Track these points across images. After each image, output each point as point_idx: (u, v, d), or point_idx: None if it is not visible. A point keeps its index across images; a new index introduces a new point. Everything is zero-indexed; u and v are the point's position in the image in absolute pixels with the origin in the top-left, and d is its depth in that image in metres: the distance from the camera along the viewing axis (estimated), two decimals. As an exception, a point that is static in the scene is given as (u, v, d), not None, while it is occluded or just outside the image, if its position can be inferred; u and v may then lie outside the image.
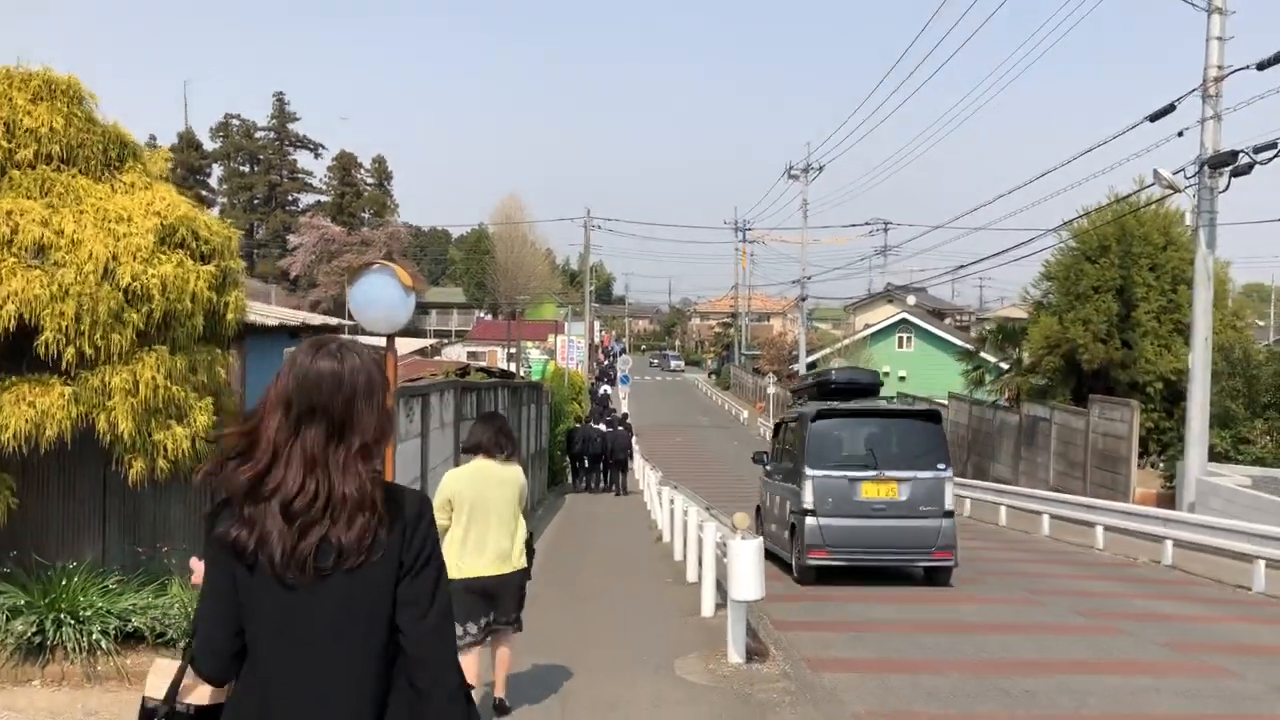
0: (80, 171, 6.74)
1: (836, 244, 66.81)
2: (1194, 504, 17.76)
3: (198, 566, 2.20)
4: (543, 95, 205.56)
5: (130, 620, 6.63)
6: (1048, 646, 8.68)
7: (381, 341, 6.86)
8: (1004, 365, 28.29)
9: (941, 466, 11.90)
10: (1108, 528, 16.90)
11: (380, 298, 6.55)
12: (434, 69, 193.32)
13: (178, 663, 2.23)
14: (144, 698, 2.23)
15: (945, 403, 32.94)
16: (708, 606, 9.60)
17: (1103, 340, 23.57)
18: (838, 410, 12.46)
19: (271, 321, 8.93)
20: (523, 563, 5.84)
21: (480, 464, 5.83)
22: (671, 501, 15.23)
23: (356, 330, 9.85)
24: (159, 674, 2.25)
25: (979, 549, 16.06)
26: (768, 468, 14.44)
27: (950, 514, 11.78)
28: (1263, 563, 12.54)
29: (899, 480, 11.65)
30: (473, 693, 5.41)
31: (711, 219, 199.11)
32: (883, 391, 15.27)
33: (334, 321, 10.53)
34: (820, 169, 56.89)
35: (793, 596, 10.84)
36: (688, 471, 31.08)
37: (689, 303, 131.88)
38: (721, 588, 10.14)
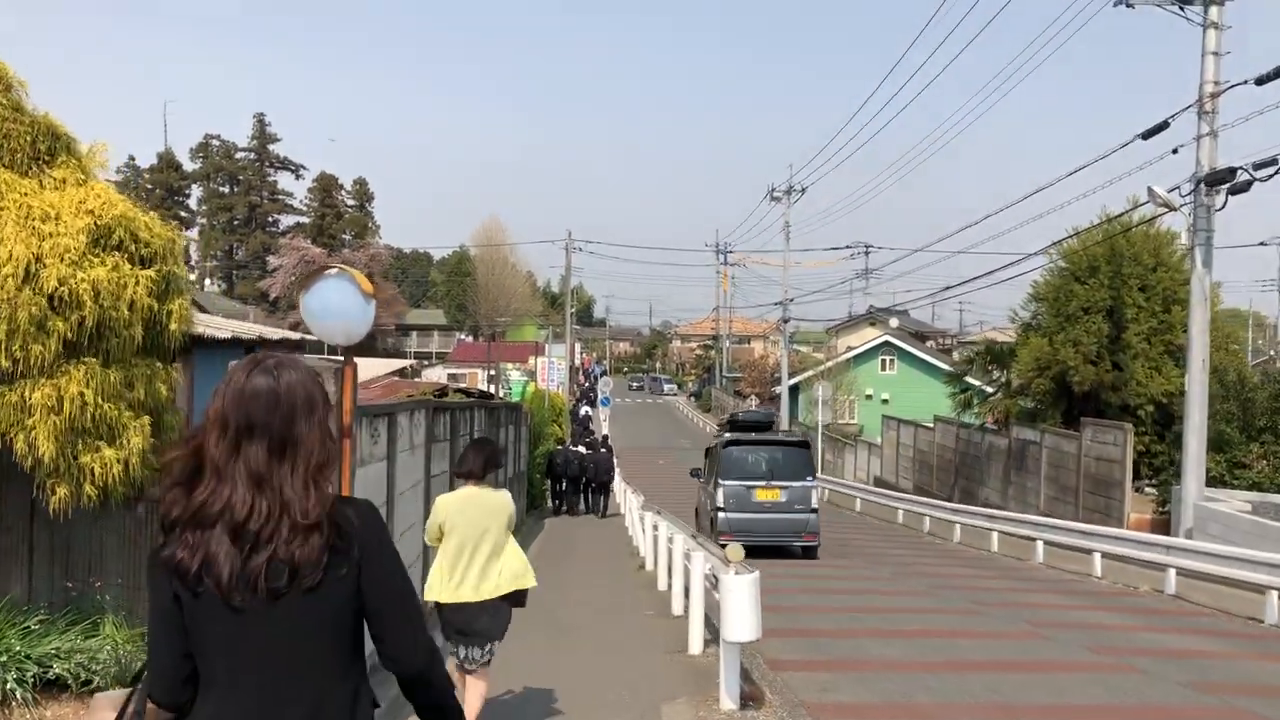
0: (3, 165, 6.06)
1: (818, 267, 66.58)
2: (1191, 530, 17.22)
3: (101, 700, 2.23)
4: (524, 120, 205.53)
5: (51, 666, 5.91)
6: (1062, 688, 8.06)
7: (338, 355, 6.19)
8: (989, 388, 27.80)
9: (809, 479, 17.46)
10: (1105, 555, 16.33)
11: (337, 306, 5.90)
12: (414, 91, 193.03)
13: (123, 692, 2.21)
14: None
15: (931, 425, 32.47)
16: (695, 643, 8.94)
17: (1093, 362, 23.11)
18: (741, 440, 17.93)
19: (223, 334, 8.22)
20: (517, 583, 5.87)
21: (471, 490, 5.90)
22: (655, 528, 14.56)
23: (318, 347, 9.19)
24: (102, 708, 2.37)
25: (972, 578, 15.46)
26: (701, 480, 19.74)
27: (815, 510, 17.21)
28: (1275, 594, 11.97)
29: (781, 488, 17.00)
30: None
31: (693, 242, 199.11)
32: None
33: (295, 336, 9.82)
34: (802, 191, 56.57)
35: (783, 631, 10.19)
36: (670, 495, 30.35)
37: (669, 325, 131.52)
38: (711, 623, 9.50)
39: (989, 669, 8.59)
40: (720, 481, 16.96)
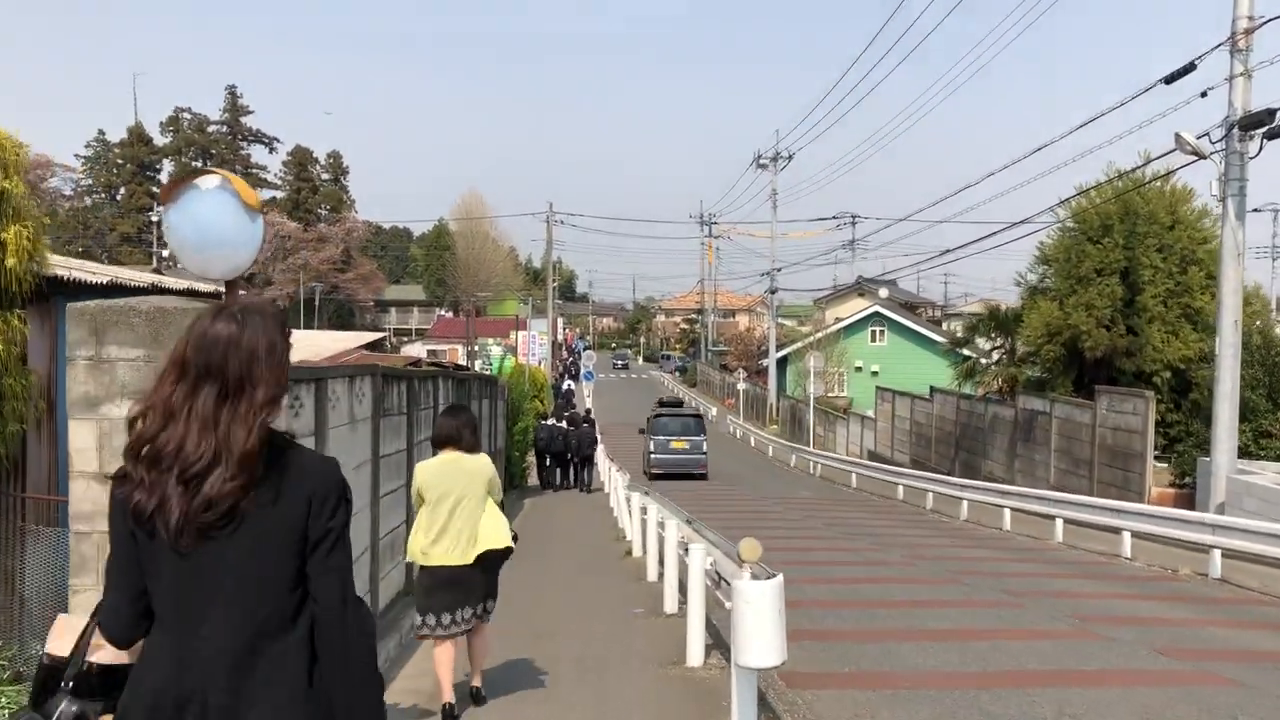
0: None
1: (804, 238, 65.05)
2: (1223, 504, 15.84)
3: (60, 625, 2.26)
4: (502, 92, 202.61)
5: None
6: (1147, 704, 6.59)
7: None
8: (986, 357, 26.36)
9: (701, 436, 30.09)
10: (1136, 534, 14.93)
11: (211, 226, 4.31)
12: (390, 64, 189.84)
13: (84, 620, 2.22)
14: (44, 654, 2.22)
15: (928, 396, 31.09)
16: (695, 653, 7.44)
17: (1106, 326, 21.70)
18: (664, 413, 31.25)
19: (98, 278, 6.60)
20: (499, 542, 5.89)
21: (449, 455, 5.92)
22: (644, 511, 13.06)
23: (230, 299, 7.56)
24: (63, 632, 2.23)
25: (992, 561, 14.00)
26: (644, 435, 31.42)
27: (705, 453, 29.74)
28: (1349, 579, 10.58)
29: (686, 440, 29.66)
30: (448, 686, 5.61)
31: (676, 215, 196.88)
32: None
33: (204, 287, 8.17)
34: (790, 157, 55.15)
35: (796, 632, 8.68)
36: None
37: (653, 301, 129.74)
38: (712, 626, 8.00)
39: (1052, 682, 7.10)
40: (652, 436, 30.13)
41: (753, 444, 43.34)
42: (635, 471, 25.37)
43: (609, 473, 24.35)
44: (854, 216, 61.18)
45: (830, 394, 45.07)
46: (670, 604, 9.62)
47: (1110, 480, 19.92)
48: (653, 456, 29.13)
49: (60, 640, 2.23)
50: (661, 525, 11.14)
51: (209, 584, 2.05)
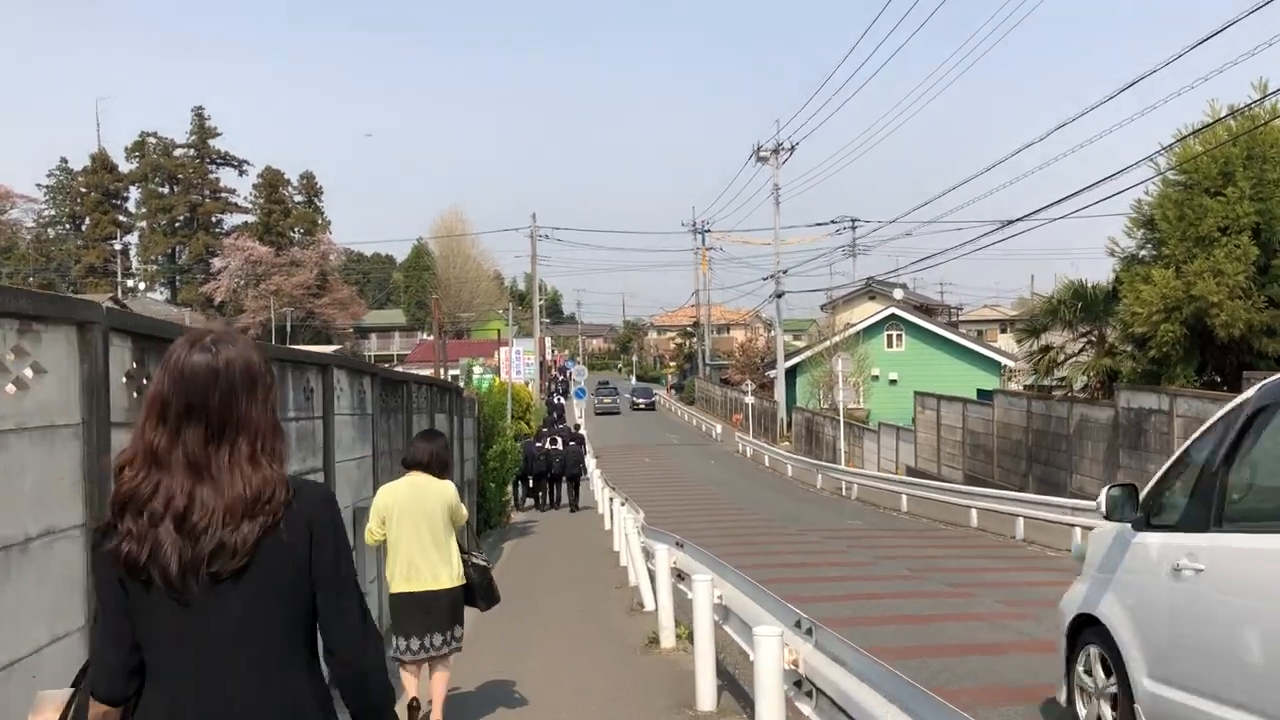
0: None
1: (801, 243, 60.57)
2: None
3: (44, 699, 2.08)
4: (480, 109, 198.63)
5: None
6: None
7: None
8: (1074, 346, 21.56)
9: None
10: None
11: None
12: (363, 84, 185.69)
13: (65, 692, 2.09)
14: None
15: (984, 401, 26.35)
16: None
17: (1241, 297, 16.99)
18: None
19: None
20: (458, 580, 5.80)
21: (413, 478, 5.87)
22: (679, 575, 8.22)
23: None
24: (43, 707, 2.07)
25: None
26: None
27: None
28: None
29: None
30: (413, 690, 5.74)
31: (666, 227, 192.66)
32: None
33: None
34: (792, 149, 50.54)
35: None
36: (663, 500, 24.22)
37: (643, 320, 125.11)
38: None
39: None
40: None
41: (767, 463, 38.47)
42: (653, 506, 20.51)
43: (603, 495, 20.12)
44: (854, 220, 56.92)
45: (847, 404, 40.31)
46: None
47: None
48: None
49: (41, 717, 2.05)
50: (722, 606, 6.30)
51: (215, 631, 1.95)
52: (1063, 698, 5.63)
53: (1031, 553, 16.00)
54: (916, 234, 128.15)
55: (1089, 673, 5.31)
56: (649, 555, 10.40)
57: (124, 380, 3.97)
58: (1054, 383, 21.83)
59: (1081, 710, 5.42)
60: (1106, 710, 5.12)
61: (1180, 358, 17.90)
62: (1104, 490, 5.43)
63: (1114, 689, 5.03)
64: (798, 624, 4.41)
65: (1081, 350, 21.15)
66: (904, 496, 23.18)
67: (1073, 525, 15.88)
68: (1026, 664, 7.73)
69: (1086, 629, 5.38)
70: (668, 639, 8.28)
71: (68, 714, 2.04)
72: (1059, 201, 19.44)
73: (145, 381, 4.14)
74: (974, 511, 19.66)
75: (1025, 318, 27.24)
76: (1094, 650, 5.28)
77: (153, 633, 1.96)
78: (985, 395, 29.65)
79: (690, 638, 8.38)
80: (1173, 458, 5.27)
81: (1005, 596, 11.05)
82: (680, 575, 8.30)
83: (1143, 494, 5.19)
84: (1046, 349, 21.42)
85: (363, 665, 2.05)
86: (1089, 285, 20.56)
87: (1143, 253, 19.35)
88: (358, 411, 8.36)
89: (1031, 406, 22.88)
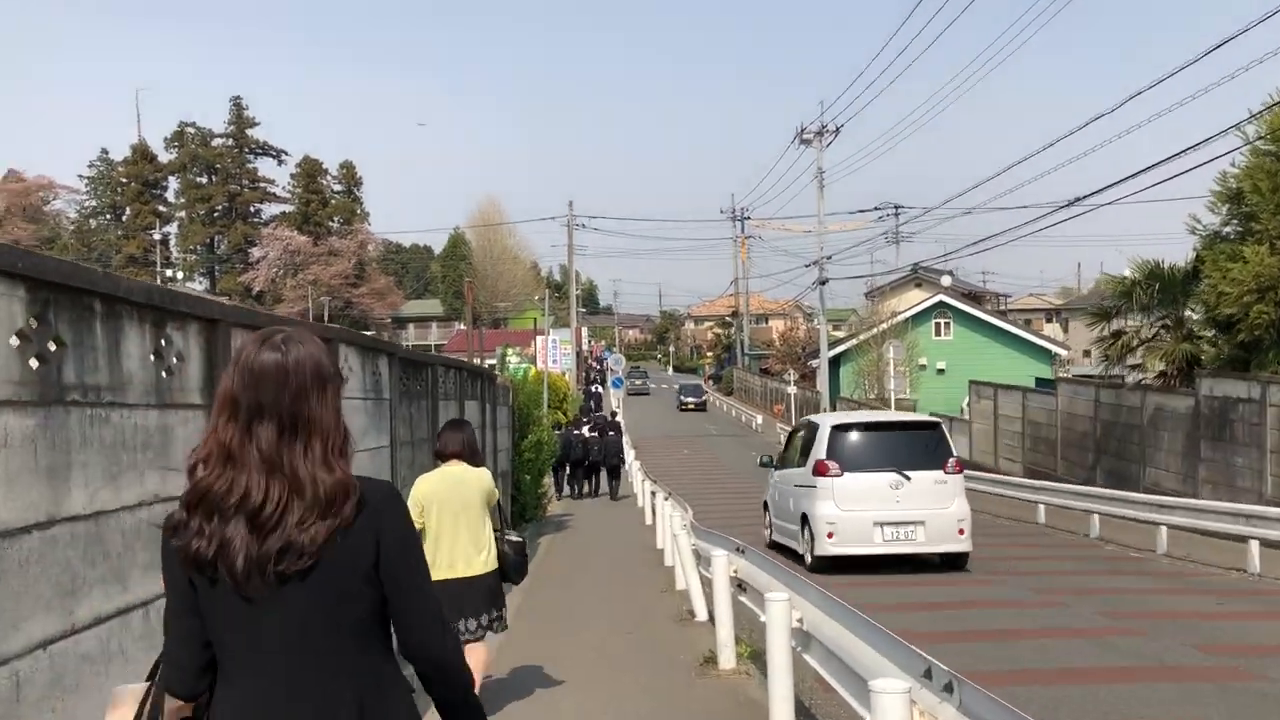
0: None
1: (844, 230, 58.89)
2: None
3: (121, 694, 2.09)
4: (518, 100, 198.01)
5: None
6: None
7: None
8: (1147, 331, 20.12)
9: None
10: None
11: None
12: (400, 74, 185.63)
13: (141, 686, 2.10)
14: None
15: (1044, 390, 24.96)
16: None
17: (1343, 276, 15.56)
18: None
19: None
20: (492, 565, 5.88)
21: (448, 468, 5.94)
22: (739, 584, 7.08)
23: None
24: (119, 703, 2.09)
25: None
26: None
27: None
28: None
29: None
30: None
31: (705, 215, 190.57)
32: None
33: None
34: (837, 130, 48.95)
35: None
36: (705, 493, 23.13)
37: (679, 311, 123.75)
38: None
39: None
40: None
41: (811, 455, 37.15)
42: (694, 500, 19.40)
43: (643, 494, 19.59)
44: (896, 207, 55.29)
45: (895, 394, 38.89)
46: None
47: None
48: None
49: (119, 711, 2.08)
50: (802, 630, 5.16)
51: (281, 629, 1.94)
52: (765, 533, 14.73)
53: (1112, 553, 14.69)
54: (961, 220, 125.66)
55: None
56: (700, 558, 9.27)
57: (15, 343, 2.90)
58: (1125, 371, 20.40)
59: (764, 533, 14.75)
60: (766, 533, 14.64)
61: (1274, 342, 16.48)
62: (759, 456, 16.83)
63: (767, 522, 14.70)
64: (928, 673, 3.27)
65: (1155, 335, 19.71)
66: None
67: (1157, 524, 14.55)
68: (1171, 698, 6.53)
69: (767, 503, 14.81)
70: (727, 658, 7.15)
71: (144, 709, 2.05)
72: (1137, 174, 17.98)
73: (52, 347, 3.07)
74: (1041, 508, 18.32)
75: (1093, 302, 25.70)
76: (766, 512, 14.94)
77: (221, 630, 1.97)
78: (1046, 384, 28.25)
79: (754, 657, 7.27)
80: (783, 444, 14.56)
81: (1102, 606, 9.81)
82: (741, 585, 7.17)
83: (776, 459, 14.96)
84: (1118, 334, 19.99)
85: (442, 655, 2.05)
86: (1166, 265, 19.12)
87: (1227, 229, 17.93)
88: (372, 395, 7.29)
89: (1100, 395, 21.46)
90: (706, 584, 9.19)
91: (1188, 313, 18.93)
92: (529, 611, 10.11)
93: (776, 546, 13.88)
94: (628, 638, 8.66)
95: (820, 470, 12.35)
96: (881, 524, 12.17)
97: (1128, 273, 19.51)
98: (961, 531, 12.33)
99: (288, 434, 1.96)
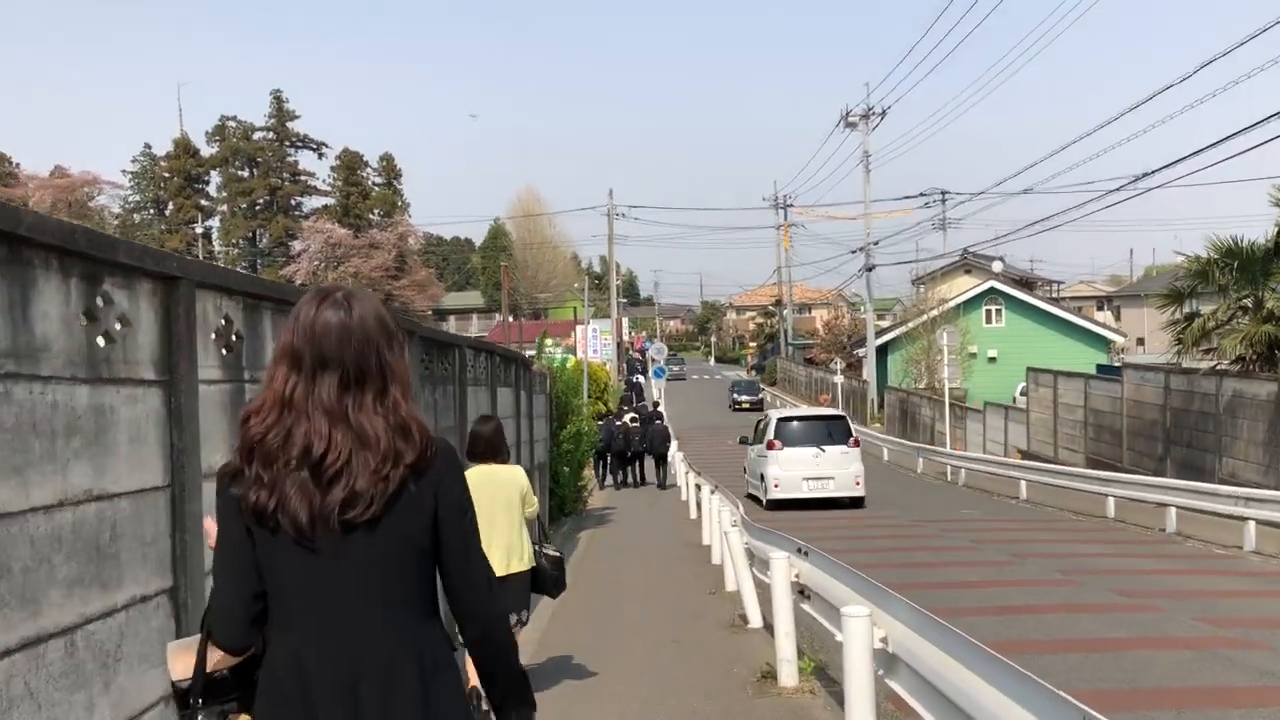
0: None
1: (891, 217, 57.41)
2: None
3: (212, 528, 2.05)
4: (558, 88, 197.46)
5: None
6: None
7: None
8: (1223, 315, 18.90)
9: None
10: None
11: None
12: (439, 66, 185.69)
13: (195, 638, 2.07)
14: (172, 683, 2.08)
15: (1109, 377, 23.78)
16: None
17: None
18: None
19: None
20: (530, 563, 5.92)
21: (484, 468, 5.92)
22: (801, 591, 6.23)
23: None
24: (177, 654, 2.08)
25: None
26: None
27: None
28: None
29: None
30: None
31: (746, 204, 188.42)
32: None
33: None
34: (883, 114, 47.79)
35: None
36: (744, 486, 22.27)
37: (721, 301, 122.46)
38: None
39: None
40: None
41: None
42: (733, 490, 18.57)
43: (687, 487, 19.03)
44: (943, 193, 53.86)
45: (942, 384, 37.72)
46: None
47: None
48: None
49: (178, 663, 2.05)
50: (884, 656, 4.32)
51: (343, 579, 1.94)
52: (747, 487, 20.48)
53: (1194, 550, 13.63)
54: (1012, 204, 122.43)
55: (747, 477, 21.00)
56: (754, 559, 8.42)
57: None
58: (1199, 356, 19.21)
59: (752, 487, 20.40)
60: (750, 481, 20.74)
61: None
62: (739, 435, 23.26)
63: (749, 481, 20.67)
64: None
65: (1231, 319, 18.51)
66: (1022, 483, 20.77)
67: (1245, 519, 13.47)
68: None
69: (745, 466, 21.25)
70: (788, 675, 6.30)
71: (204, 655, 2.02)
72: (1212, 146, 16.80)
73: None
74: (1110, 500, 17.24)
75: (1146, 287, 24.43)
76: (745, 473, 21.32)
77: (279, 581, 1.95)
78: (1109, 370, 27.04)
79: (818, 673, 6.42)
80: (756, 425, 21.11)
81: (1199, 612, 8.82)
82: (803, 592, 6.31)
83: (752, 435, 20.93)
84: (1192, 316, 18.80)
85: (490, 617, 2.06)
86: (1245, 242, 17.92)
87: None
88: (446, 379, 6.54)
89: (1170, 382, 20.27)
90: (760, 585, 8.36)
91: (1267, 294, 17.71)
92: (565, 614, 9.33)
93: (751, 498, 19.83)
94: (675, 647, 7.85)
95: (770, 446, 19.05)
96: (807, 479, 18.78)
97: (1203, 252, 18.32)
98: (858, 483, 18.93)
99: (354, 386, 1.96)
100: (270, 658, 1.99)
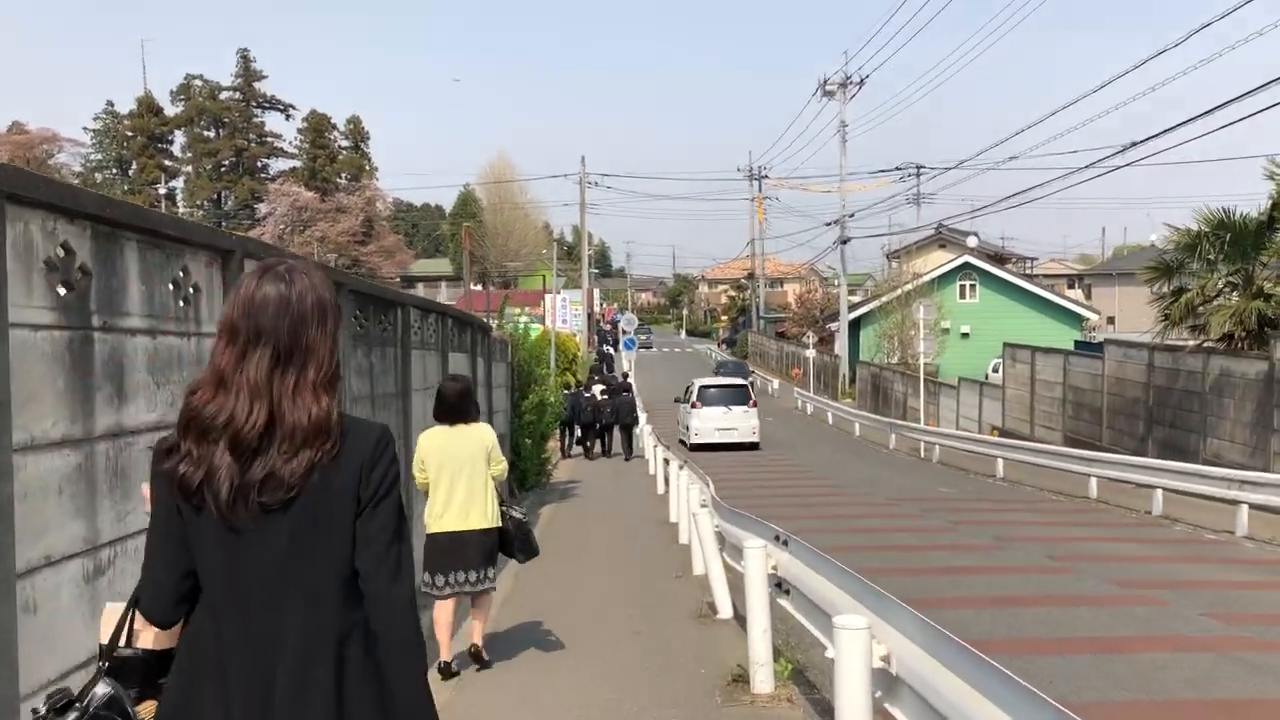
0: None
1: (866, 191, 56.60)
2: None
3: (149, 494, 2.02)
4: (532, 57, 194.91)
5: None
6: None
7: None
8: (1210, 289, 18.27)
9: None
10: None
11: None
12: (409, 27, 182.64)
13: (121, 605, 2.07)
14: (99, 644, 2.08)
15: (1088, 353, 23.22)
16: None
17: None
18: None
19: None
20: (495, 521, 5.97)
21: (449, 427, 5.98)
22: (779, 586, 5.43)
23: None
24: (109, 617, 2.07)
25: None
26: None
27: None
28: None
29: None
30: (446, 646, 5.70)
31: (720, 174, 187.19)
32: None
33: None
34: (861, 83, 46.92)
35: None
36: (722, 461, 21.55)
37: (693, 274, 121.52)
38: None
39: None
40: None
41: (830, 421, 35.51)
42: (702, 465, 17.84)
43: (654, 461, 17.38)
44: (918, 167, 53.13)
45: (916, 359, 37.16)
46: None
47: None
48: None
49: (105, 627, 2.05)
50: (884, 676, 3.53)
51: (263, 560, 1.91)
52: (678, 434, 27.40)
53: (1184, 534, 13.01)
54: (986, 179, 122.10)
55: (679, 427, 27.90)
56: (725, 544, 7.62)
57: None
58: (1186, 333, 18.60)
59: (681, 434, 27.33)
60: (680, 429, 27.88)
61: (1364, 300, 14.68)
62: (676, 397, 30.03)
63: (680, 429, 27.64)
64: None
65: (1220, 294, 17.89)
66: (1000, 461, 20.16)
67: (1237, 502, 12.86)
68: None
69: (678, 419, 28.52)
70: (763, 680, 5.50)
71: (121, 625, 2.02)
72: (1211, 112, 16.09)
73: None
74: (1093, 481, 16.63)
75: (1119, 265, 23.85)
76: (679, 424, 28.19)
77: (205, 558, 1.94)
78: (1089, 347, 26.47)
79: (796, 677, 5.64)
80: (685, 389, 28.44)
81: (1206, 606, 8.14)
82: (781, 585, 5.52)
83: (682, 396, 28.17)
84: (1179, 291, 18.16)
85: (392, 595, 1.96)
86: (1237, 215, 17.27)
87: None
88: (384, 342, 5.65)
89: (1154, 359, 19.68)
90: (730, 570, 7.58)
91: (1258, 269, 17.09)
92: (519, 596, 8.52)
93: (681, 443, 25.84)
94: (636, 640, 7.04)
95: (693, 406, 26.22)
96: (719, 429, 25.80)
97: (1192, 225, 17.66)
98: (754, 433, 26.05)
99: (281, 363, 1.92)
100: (190, 633, 1.95)
